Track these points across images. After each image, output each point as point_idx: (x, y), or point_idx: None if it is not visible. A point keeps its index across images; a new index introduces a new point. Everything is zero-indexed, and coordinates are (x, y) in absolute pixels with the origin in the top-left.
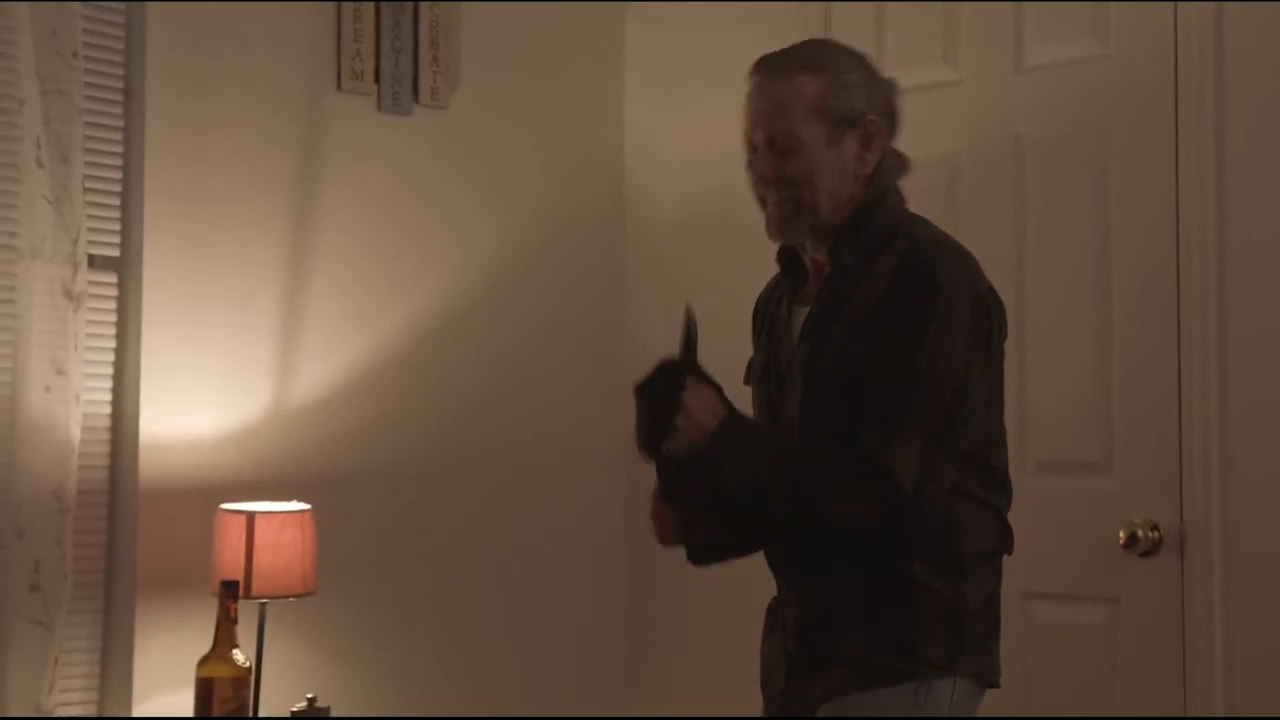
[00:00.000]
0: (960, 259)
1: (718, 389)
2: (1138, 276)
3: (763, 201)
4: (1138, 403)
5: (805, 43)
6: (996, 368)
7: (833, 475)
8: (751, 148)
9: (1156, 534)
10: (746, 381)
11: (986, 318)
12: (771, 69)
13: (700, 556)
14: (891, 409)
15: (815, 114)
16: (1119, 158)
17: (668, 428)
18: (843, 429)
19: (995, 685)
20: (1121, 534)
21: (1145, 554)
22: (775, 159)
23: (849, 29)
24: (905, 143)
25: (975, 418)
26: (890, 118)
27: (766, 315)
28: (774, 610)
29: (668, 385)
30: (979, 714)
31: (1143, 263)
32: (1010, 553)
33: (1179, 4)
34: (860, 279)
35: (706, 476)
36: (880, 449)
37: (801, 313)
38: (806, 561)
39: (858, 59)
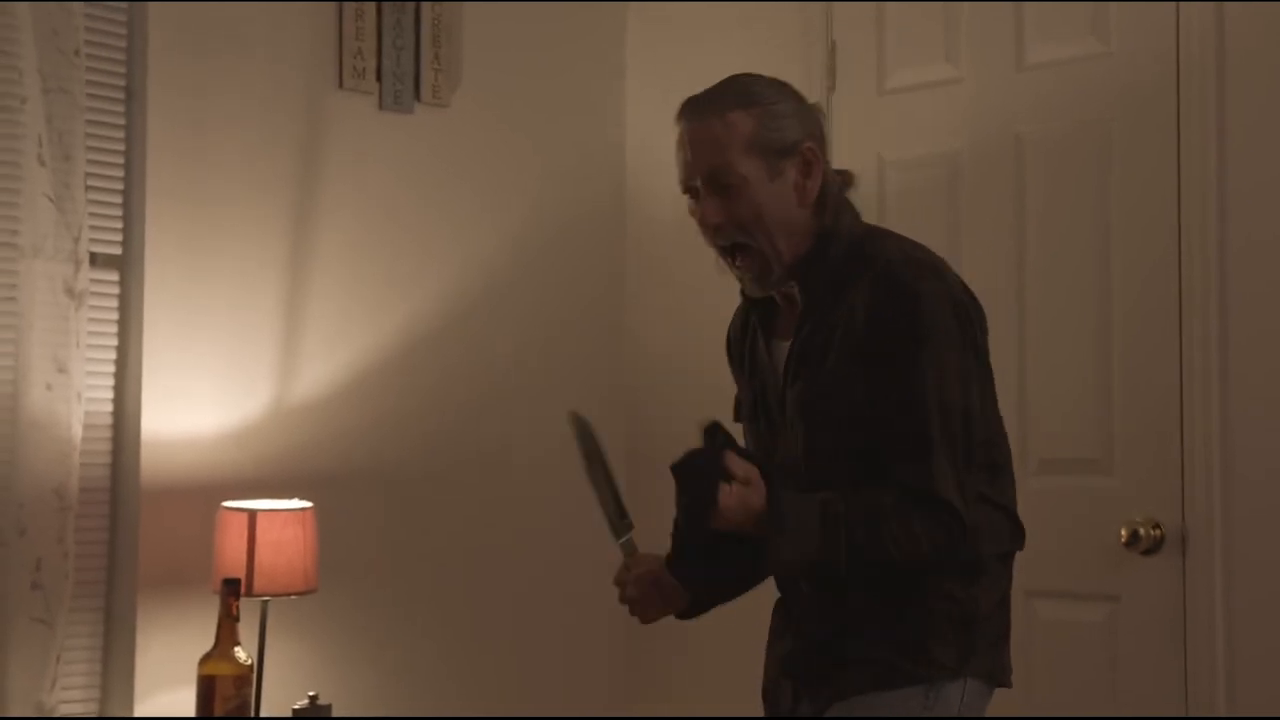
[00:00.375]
0: (935, 271)
1: (756, 464)
2: (1139, 275)
3: (722, 251)
4: (1139, 401)
5: (730, 79)
6: (986, 367)
7: (900, 523)
8: (692, 194)
9: (1158, 532)
10: (737, 419)
11: (970, 324)
12: (701, 109)
13: (689, 614)
14: (916, 441)
15: (751, 149)
16: (1120, 156)
17: (708, 513)
18: (855, 465)
19: (1006, 684)
20: (1123, 532)
21: (1147, 552)
22: (720, 201)
23: (850, 28)
24: (906, 140)
25: (978, 423)
26: (821, 142)
27: (743, 349)
28: (780, 611)
29: (708, 470)
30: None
31: (1144, 261)
32: (1022, 548)
33: (1180, 3)
34: (838, 308)
35: (761, 558)
36: (927, 482)
37: (781, 347)
38: (822, 577)
39: (784, 89)
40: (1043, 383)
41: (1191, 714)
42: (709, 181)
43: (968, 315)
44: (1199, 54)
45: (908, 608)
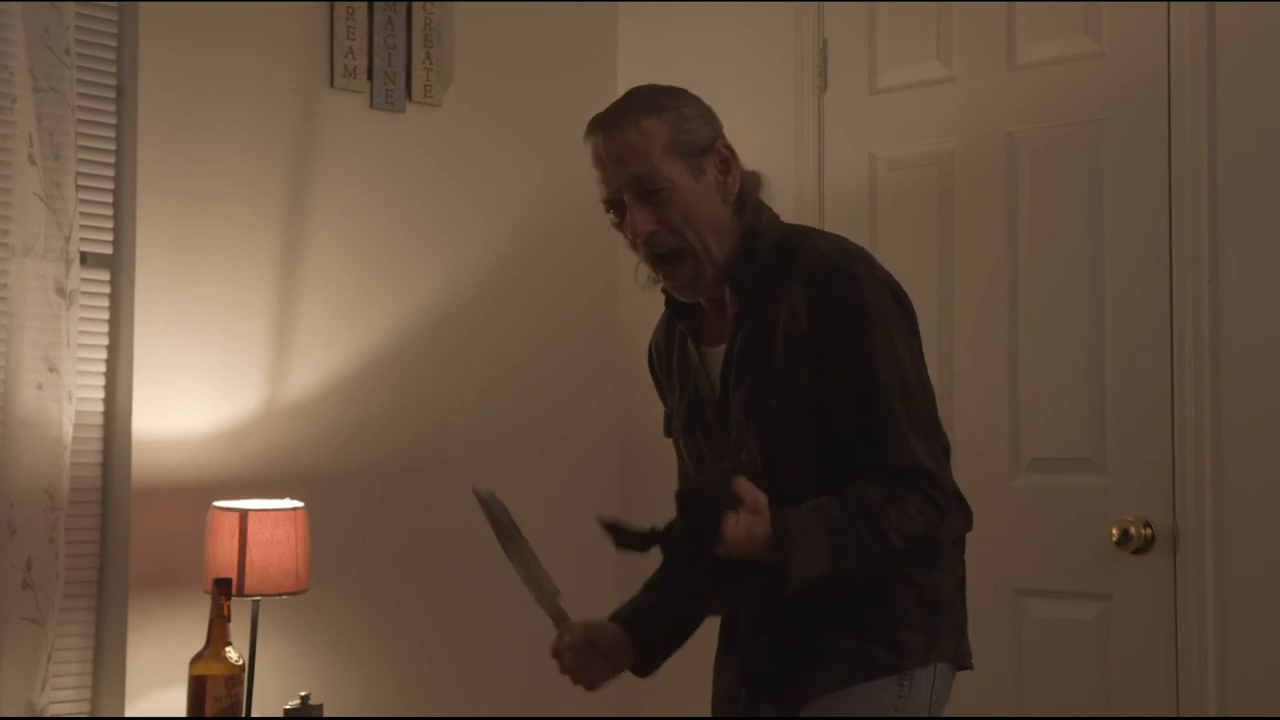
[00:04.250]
0: (865, 258)
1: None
2: (1130, 274)
3: (653, 261)
4: (1130, 400)
5: (631, 91)
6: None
7: (896, 509)
8: (619, 209)
9: (1149, 531)
10: (667, 434)
11: (907, 301)
12: (612, 123)
13: (643, 669)
14: (884, 421)
15: (671, 152)
16: (1112, 155)
17: (711, 541)
18: (813, 458)
19: (968, 667)
20: (1114, 531)
21: (1138, 551)
22: (650, 209)
23: (841, 27)
24: (898, 139)
25: (933, 399)
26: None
27: (669, 362)
28: (727, 625)
29: (716, 500)
30: (967, 707)
31: (1135, 260)
32: (970, 530)
33: (1172, 3)
34: (774, 305)
35: (773, 580)
36: (908, 458)
37: (713, 354)
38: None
39: (685, 94)
40: (1034, 382)
41: (1182, 712)
42: (635, 191)
43: (902, 295)
44: (1190, 53)
45: (874, 598)
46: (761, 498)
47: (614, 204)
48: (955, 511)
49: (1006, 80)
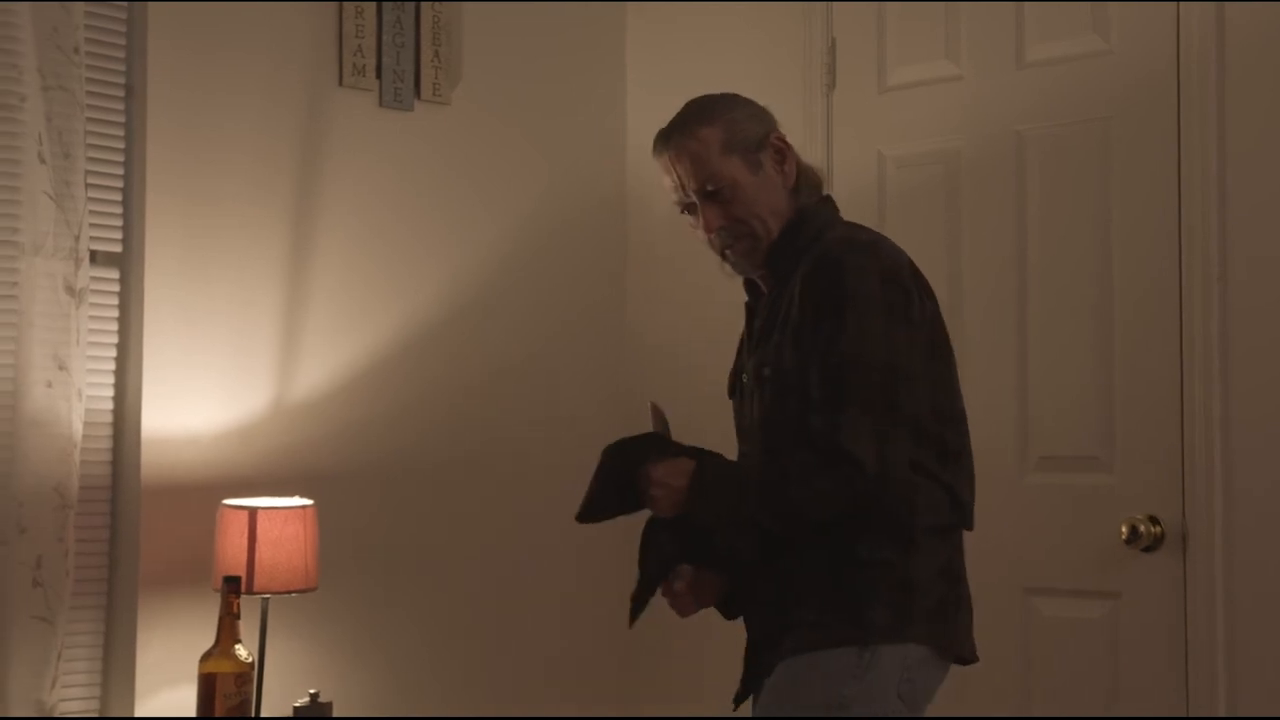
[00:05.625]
0: (868, 249)
1: (693, 453)
2: (1139, 272)
3: (722, 251)
4: (1139, 398)
5: (688, 104)
6: (936, 341)
7: (802, 478)
8: (690, 209)
9: (1158, 529)
10: (730, 397)
11: (902, 293)
12: (673, 136)
13: (733, 610)
14: (831, 395)
15: (728, 152)
16: (1120, 153)
17: (606, 504)
18: (796, 428)
19: (966, 660)
20: (1123, 529)
21: (1147, 549)
22: (717, 208)
23: (850, 25)
24: (906, 138)
25: (918, 389)
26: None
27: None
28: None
29: (625, 461)
30: (976, 705)
31: (1144, 258)
32: (968, 527)
33: (1181, 1)
34: (788, 286)
35: (700, 528)
36: (832, 435)
37: (755, 327)
38: (768, 545)
39: (736, 99)
40: (1043, 379)
41: (1192, 711)
42: (701, 193)
43: (897, 284)
44: (1199, 51)
45: (843, 573)
46: (680, 459)
47: (687, 206)
48: (936, 499)
49: (1015, 78)
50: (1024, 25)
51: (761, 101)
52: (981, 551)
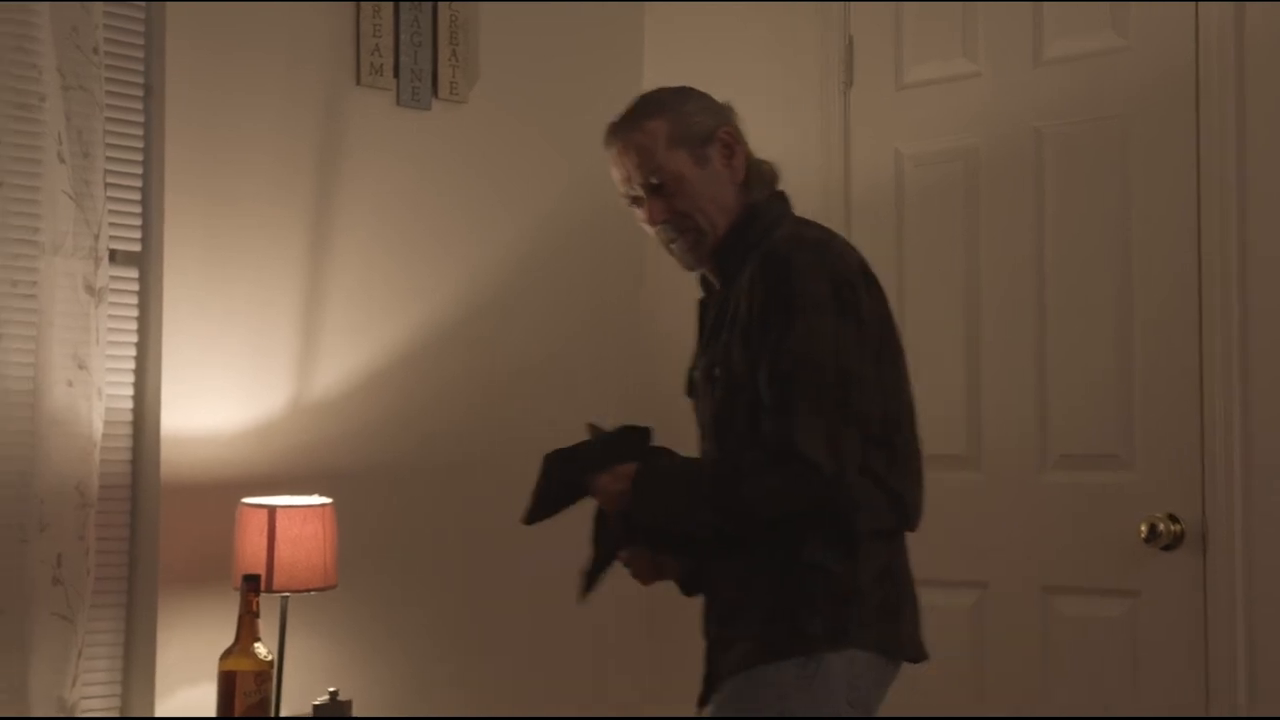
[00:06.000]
0: (817, 247)
1: (644, 456)
2: (1158, 269)
3: (667, 244)
4: (1159, 396)
5: (639, 97)
6: (885, 341)
7: (755, 475)
8: (636, 202)
9: (1178, 527)
10: (688, 396)
11: (851, 291)
12: (621, 128)
13: (690, 588)
14: (781, 395)
15: (674, 145)
16: (1139, 150)
17: (547, 508)
18: (746, 429)
19: (915, 659)
20: (1142, 527)
21: (1166, 548)
22: (661, 201)
23: (867, 23)
24: (924, 135)
25: (867, 389)
26: (736, 130)
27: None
28: None
29: (566, 469)
30: (995, 704)
31: (1163, 255)
32: (910, 529)
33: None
34: (736, 285)
35: (646, 526)
36: (786, 436)
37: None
38: (720, 543)
39: (689, 91)
40: (1062, 377)
41: (1212, 711)
42: (646, 186)
43: (848, 284)
44: (1218, 47)
45: (785, 580)
46: (627, 466)
47: (634, 199)
48: (877, 503)
49: (1033, 75)
50: (1042, 22)
51: (779, 100)
52: (1000, 550)
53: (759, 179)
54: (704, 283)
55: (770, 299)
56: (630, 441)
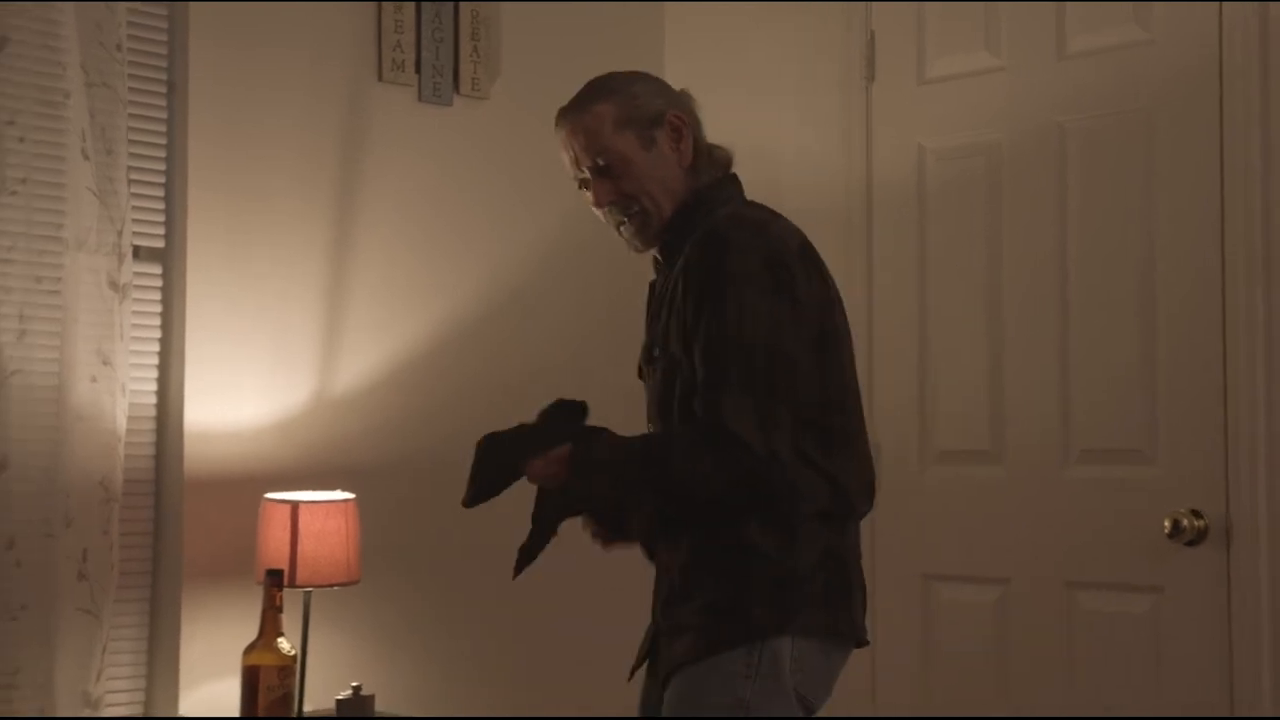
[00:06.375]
0: (755, 227)
1: (580, 435)
2: (1182, 263)
3: (616, 226)
4: (1182, 391)
5: (590, 82)
6: (826, 324)
7: (686, 456)
8: (585, 184)
9: (1201, 523)
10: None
11: (786, 272)
12: (570, 112)
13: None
14: (712, 375)
15: (621, 128)
16: (1163, 144)
17: (484, 492)
18: (683, 407)
19: (856, 642)
20: (1166, 523)
21: (1190, 543)
22: (608, 183)
23: (889, 18)
24: (946, 130)
25: (800, 370)
26: (690, 114)
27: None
28: None
29: (501, 454)
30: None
31: (1187, 249)
32: (852, 514)
33: None
34: (677, 266)
35: (585, 502)
36: (715, 414)
37: None
38: (661, 533)
39: (639, 75)
40: (1085, 372)
41: (1237, 708)
42: (593, 168)
43: (783, 264)
44: (1242, 40)
45: (727, 571)
46: (561, 449)
47: (582, 181)
48: (816, 487)
49: (1056, 70)
50: (1065, 16)
51: (801, 95)
52: (1023, 545)
53: (710, 163)
54: (655, 264)
55: (705, 277)
56: (566, 417)
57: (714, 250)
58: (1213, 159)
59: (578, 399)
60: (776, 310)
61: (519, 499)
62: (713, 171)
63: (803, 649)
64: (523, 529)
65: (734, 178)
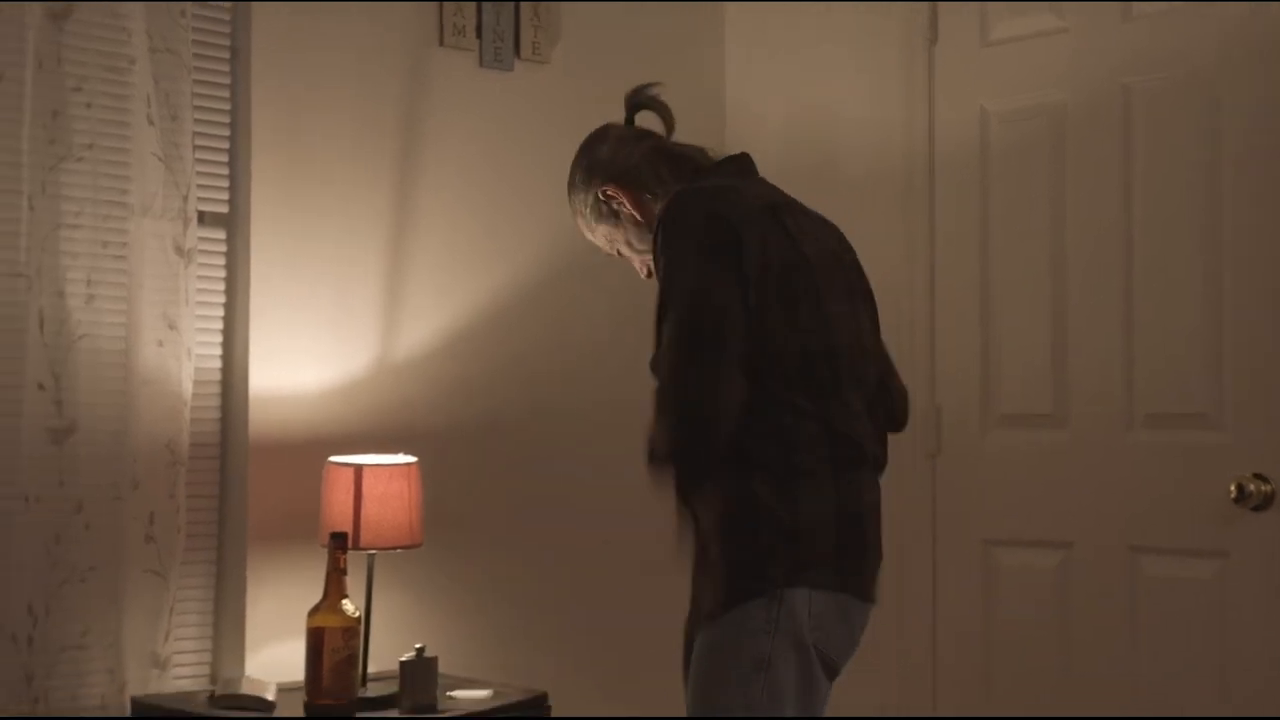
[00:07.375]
0: (700, 193)
1: None
2: (1249, 225)
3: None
4: (1248, 355)
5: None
6: (797, 285)
7: (656, 428)
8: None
9: (1268, 487)
10: None
11: (726, 228)
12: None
13: None
14: (660, 339)
15: (592, 221)
16: (1229, 106)
17: None
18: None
19: (866, 599)
20: (1231, 487)
21: (1256, 508)
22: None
23: None
24: (1009, 92)
25: (732, 322)
26: (617, 172)
27: None
28: None
29: None
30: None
31: (1255, 211)
32: (865, 463)
33: None
34: None
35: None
36: (660, 380)
37: None
38: (698, 501)
39: (576, 160)
40: (1150, 336)
41: None
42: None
43: (722, 221)
44: None
45: (736, 526)
46: None
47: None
48: (818, 435)
49: (1121, 30)
50: None
51: (863, 57)
52: (1087, 509)
53: (678, 177)
54: None
55: (657, 246)
56: None
57: (663, 218)
58: (1279, 118)
59: None
60: (705, 266)
61: (570, 474)
62: (683, 180)
63: (820, 605)
64: (575, 500)
65: (718, 167)
